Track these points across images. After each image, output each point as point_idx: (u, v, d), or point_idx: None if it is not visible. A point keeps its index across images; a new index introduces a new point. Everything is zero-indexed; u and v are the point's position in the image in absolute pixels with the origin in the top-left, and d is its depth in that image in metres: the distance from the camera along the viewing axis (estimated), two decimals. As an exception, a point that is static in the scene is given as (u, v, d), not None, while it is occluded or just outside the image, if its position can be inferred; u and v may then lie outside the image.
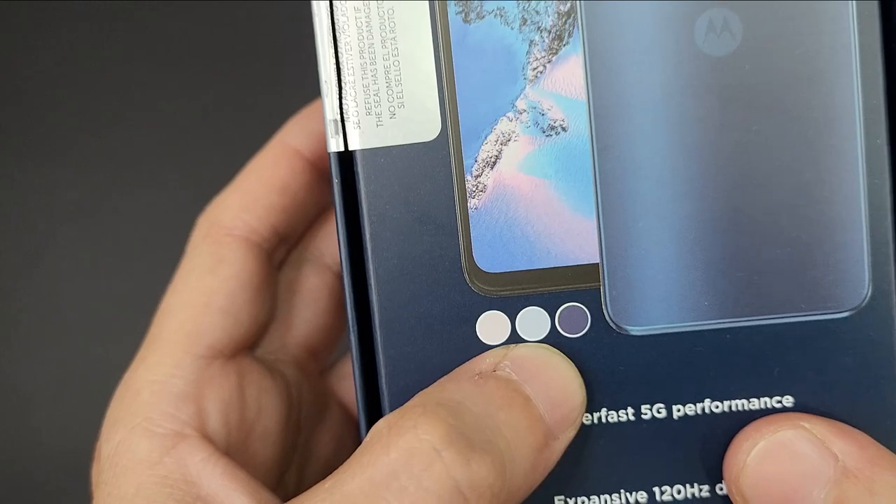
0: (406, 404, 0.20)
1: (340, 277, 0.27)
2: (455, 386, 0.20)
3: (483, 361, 0.21)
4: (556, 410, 0.21)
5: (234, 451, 0.24)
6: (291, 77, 0.46)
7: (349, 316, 0.22)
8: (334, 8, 0.21)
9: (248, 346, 0.25)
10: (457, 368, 0.21)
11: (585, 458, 0.22)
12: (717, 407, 0.21)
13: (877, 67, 0.21)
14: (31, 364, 0.46)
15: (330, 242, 0.27)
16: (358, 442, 0.28)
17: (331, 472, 0.27)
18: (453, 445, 0.19)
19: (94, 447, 0.24)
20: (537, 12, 0.21)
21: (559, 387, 0.21)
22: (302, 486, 0.27)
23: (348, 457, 0.28)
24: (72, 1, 0.47)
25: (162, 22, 0.47)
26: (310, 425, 0.27)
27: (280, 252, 0.27)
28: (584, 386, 0.21)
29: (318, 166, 0.26)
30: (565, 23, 0.21)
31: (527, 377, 0.21)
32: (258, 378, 0.25)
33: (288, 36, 0.46)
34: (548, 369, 0.21)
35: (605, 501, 0.22)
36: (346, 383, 0.28)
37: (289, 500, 0.23)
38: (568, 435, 0.21)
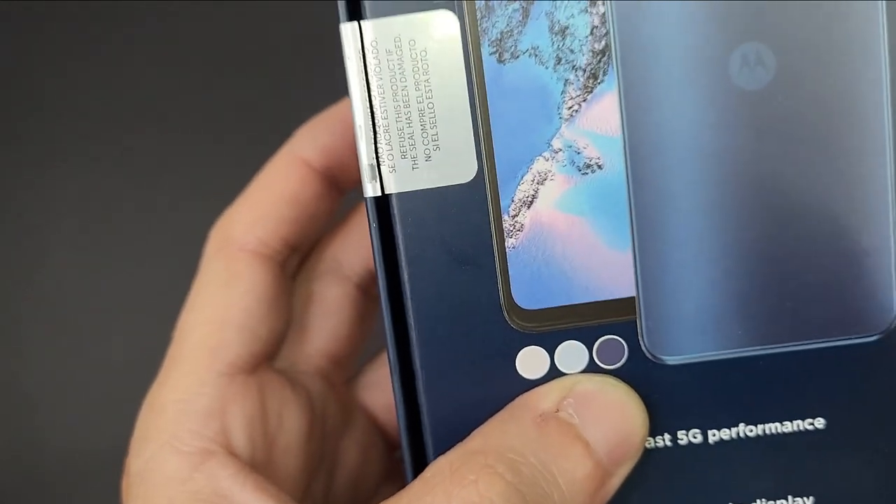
0: (469, 446, 0.21)
1: (368, 295, 0.27)
2: (517, 430, 0.21)
3: (547, 398, 0.21)
4: (615, 451, 0.21)
5: (258, 465, 0.24)
6: (294, 79, 0.45)
7: (389, 353, 0.22)
8: (366, 51, 0.21)
9: (267, 360, 0.25)
10: (519, 400, 0.22)
11: (624, 484, 0.22)
12: (751, 431, 0.22)
13: None
14: (33, 364, 0.45)
15: (347, 253, 0.27)
16: (389, 463, 0.28)
17: (358, 482, 0.28)
18: None
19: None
20: (572, 51, 0.21)
21: (620, 426, 0.21)
22: (330, 496, 0.27)
23: (375, 467, 0.28)
24: (72, 1, 0.45)
25: (165, 22, 0.46)
26: (335, 435, 0.27)
27: (292, 262, 0.27)
28: (647, 420, 0.22)
29: (327, 176, 0.26)
30: (600, 61, 0.21)
31: (588, 418, 0.21)
32: (279, 390, 0.25)
33: (291, 38, 0.46)
34: (611, 407, 0.21)
35: None
36: (372, 392, 0.28)
37: None
38: (624, 470, 0.21)
